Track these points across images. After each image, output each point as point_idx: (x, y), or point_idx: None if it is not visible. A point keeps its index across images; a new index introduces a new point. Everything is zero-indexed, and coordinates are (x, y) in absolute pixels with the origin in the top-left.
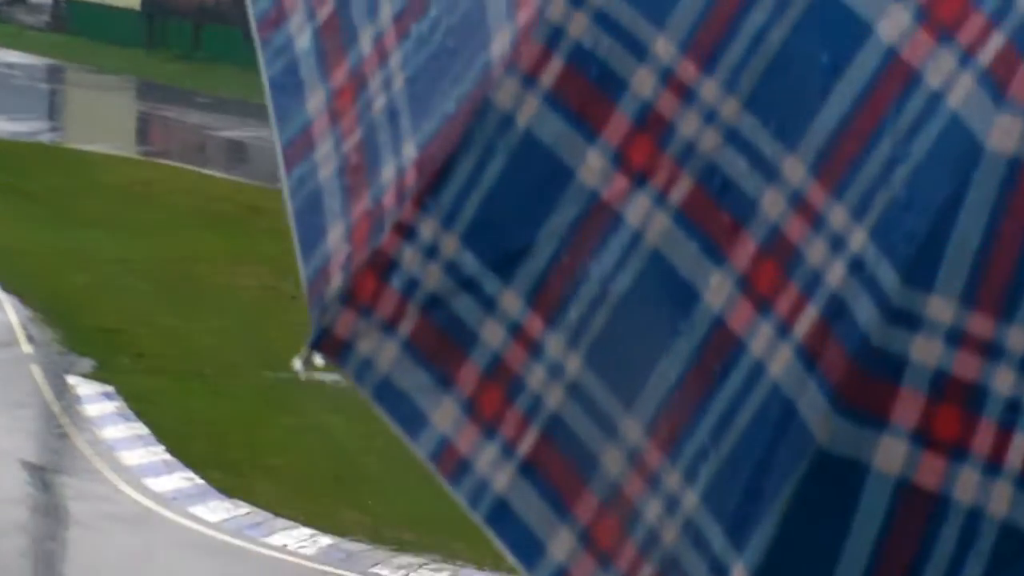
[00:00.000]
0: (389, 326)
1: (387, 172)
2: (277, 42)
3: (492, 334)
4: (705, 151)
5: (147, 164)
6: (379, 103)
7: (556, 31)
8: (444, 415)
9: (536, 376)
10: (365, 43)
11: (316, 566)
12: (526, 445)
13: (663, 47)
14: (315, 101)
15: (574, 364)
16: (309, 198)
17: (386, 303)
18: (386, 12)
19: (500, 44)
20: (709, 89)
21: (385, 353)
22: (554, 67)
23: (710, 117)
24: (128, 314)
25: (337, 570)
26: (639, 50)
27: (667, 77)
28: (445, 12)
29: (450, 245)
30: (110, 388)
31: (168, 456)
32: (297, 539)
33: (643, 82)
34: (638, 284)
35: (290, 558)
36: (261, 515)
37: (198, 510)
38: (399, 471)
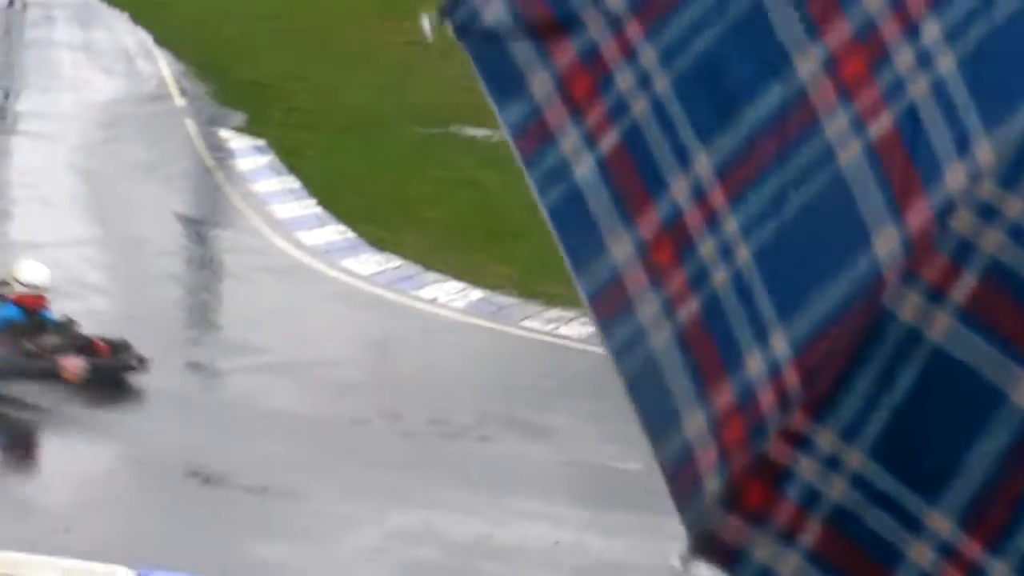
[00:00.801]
0: (788, 536)
1: (753, 364)
2: (548, 163)
3: (920, 554)
4: None
5: None
6: (720, 274)
7: (965, 245)
8: None
9: None
10: (679, 193)
11: (466, 319)
12: None
13: None
14: (622, 249)
15: None
16: (646, 369)
17: (782, 512)
18: (703, 163)
19: (886, 245)
20: None
21: (787, 563)
22: (967, 283)
23: None
24: (279, 69)
25: (487, 323)
26: None
27: None
28: (792, 185)
29: (855, 459)
30: (262, 142)
31: (319, 210)
32: (448, 292)
33: None
34: None
35: (441, 311)
36: (412, 268)
37: (349, 263)
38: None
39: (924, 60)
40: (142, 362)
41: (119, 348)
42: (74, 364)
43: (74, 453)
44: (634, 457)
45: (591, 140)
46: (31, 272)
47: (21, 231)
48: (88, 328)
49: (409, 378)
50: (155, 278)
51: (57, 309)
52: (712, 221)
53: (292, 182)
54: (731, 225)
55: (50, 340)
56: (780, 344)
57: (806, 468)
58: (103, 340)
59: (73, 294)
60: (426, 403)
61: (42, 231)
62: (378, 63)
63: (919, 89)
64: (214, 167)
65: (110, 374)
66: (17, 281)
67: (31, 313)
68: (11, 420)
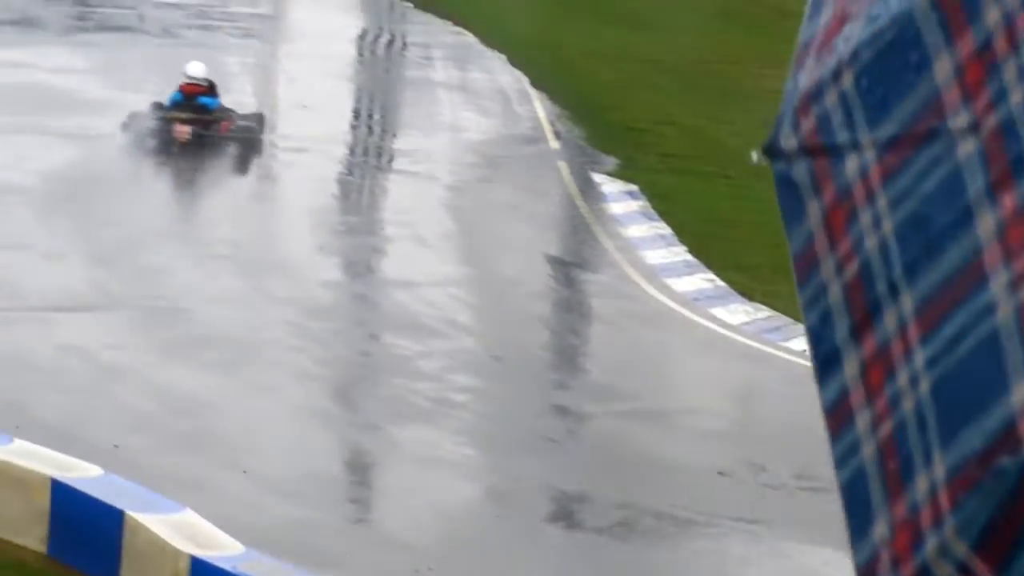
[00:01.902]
0: None
1: (921, 483)
2: (811, 287)
3: None
4: None
5: None
6: (908, 401)
7: None
8: None
9: None
10: (890, 323)
11: None
12: None
13: None
14: (850, 367)
15: None
16: (855, 474)
17: None
18: (907, 301)
19: (1020, 398)
20: None
21: None
22: None
23: None
24: (654, 113)
25: None
26: None
27: None
28: (969, 327)
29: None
30: (634, 187)
31: (690, 256)
32: None
33: None
34: None
35: (809, 363)
36: (781, 320)
37: (718, 312)
38: None
39: None
40: (257, 143)
41: (253, 119)
42: (181, 130)
43: (440, 489)
44: None
45: (840, 268)
46: (192, 69)
47: (393, 268)
48: (458, 371)
49: (774, 430)
50: (523, 319)
51: (431, 347)
52: (907, 351)
53: (663, 228)
54: (919, 357)
55: (186, 115)
56: (939, 470)
57: None
58: (241, 118)
59: (443, 333)
60: (791, 456)
61: (414, 269)
62: (755, 109)
63: None
64: (586, 210)
65: (212, 141)
66: (183, 75)
67: (189, 97)
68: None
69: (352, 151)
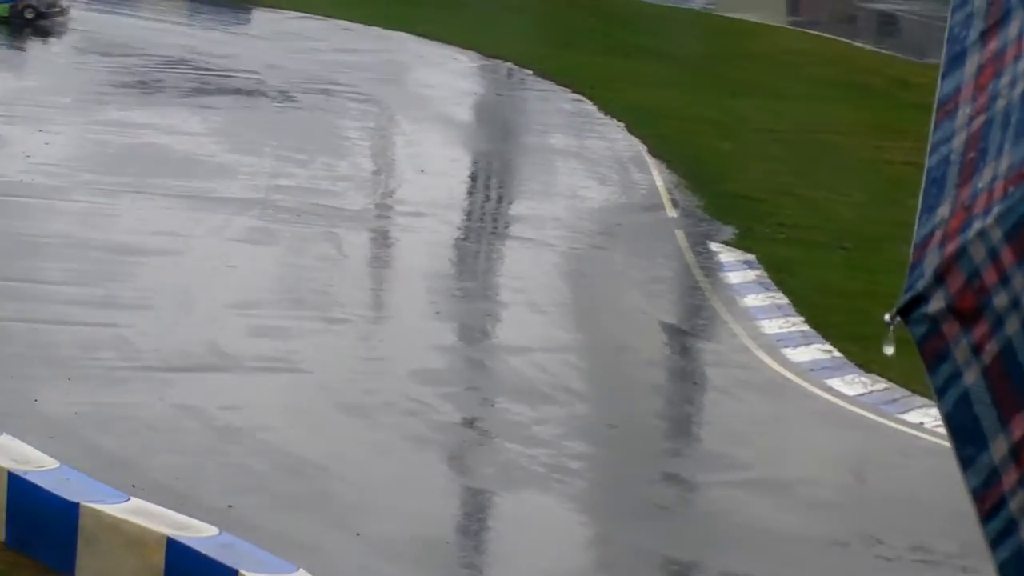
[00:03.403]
0: (967, 327)
1: (987, 173)
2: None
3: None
4: None
5: (795, 33)
6: (1003, 101)
7: None
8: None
9: None
10: (1013, 30)
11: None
12: None
13: None
14: (970, 66)
15: None
16: (941, 161)
17: (966, 302)
18: None
19: None
20: None
21: (960, 350)
22: None
23: None
24: (771, 183)
25: None
26: None
27: None
28: None
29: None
30: (751, 256)
31: (806, 327)
32: (934, 418)
33: None
34: None
35: (926, 436)
36: (898, 391)
37: (835, 383)
38: None
39: None
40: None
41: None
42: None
43: (552, 555)
44: None
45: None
46: None
47: (507, 334)
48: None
49: (890, 502)
50: (638, 387)
51: (545, 413)
52: (1018, 56)
53: (779, 298)
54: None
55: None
56: (1004, 163)
57: (983, 263)
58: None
59: (557, 399)
60: (907, 528)
61: (528, 335)
62: (872, 181)
63: None
64: (702, 279)
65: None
66: None
67: None
68: None
69: (469, 216)
